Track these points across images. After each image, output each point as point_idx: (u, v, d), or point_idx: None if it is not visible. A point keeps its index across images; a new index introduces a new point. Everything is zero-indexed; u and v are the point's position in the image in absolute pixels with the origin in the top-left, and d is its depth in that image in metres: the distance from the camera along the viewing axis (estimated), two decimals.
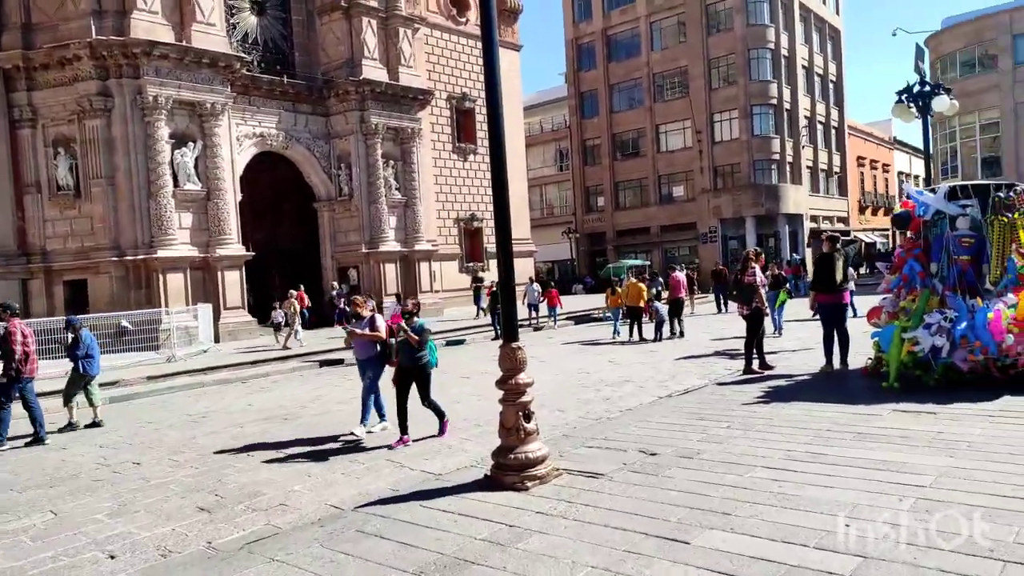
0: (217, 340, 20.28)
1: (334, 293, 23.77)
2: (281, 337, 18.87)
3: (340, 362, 15.97)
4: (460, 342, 19.74)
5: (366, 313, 8.42)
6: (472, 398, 10.38)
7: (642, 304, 16.93)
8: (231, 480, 6.69)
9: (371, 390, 8.31)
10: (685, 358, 13.20)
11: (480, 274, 29.09)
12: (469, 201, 32.34)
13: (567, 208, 52.25)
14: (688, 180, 45.13)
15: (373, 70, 25.70)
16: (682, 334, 16.63)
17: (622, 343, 16.72)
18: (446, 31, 31.39)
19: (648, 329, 17.30)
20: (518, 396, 5.64)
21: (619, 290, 18.33)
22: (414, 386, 7.88)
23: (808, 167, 46.55)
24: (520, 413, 5.56)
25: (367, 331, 8.26)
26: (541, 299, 22.38)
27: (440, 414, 7.97)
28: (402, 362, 7.76)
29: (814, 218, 46.57)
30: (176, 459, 7.67)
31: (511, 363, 5.61)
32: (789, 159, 43.91)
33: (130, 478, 7.00)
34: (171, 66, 20.13)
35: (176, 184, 20.54)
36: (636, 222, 47.04)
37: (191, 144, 20.93)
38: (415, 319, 7.90)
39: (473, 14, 32.34)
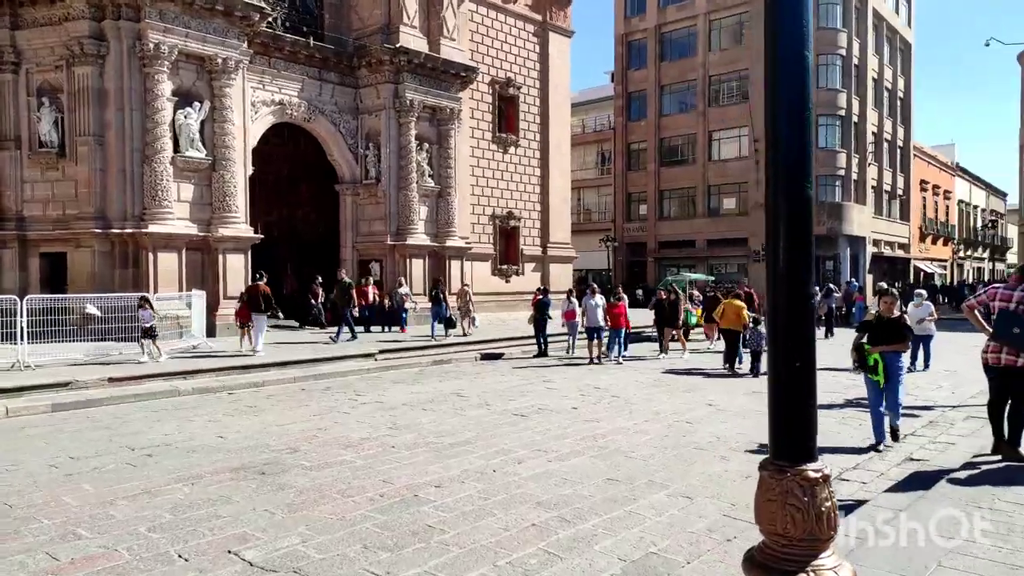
0: (212, 334, 17.21)
1: (402, 292, 20.53)
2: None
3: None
4: (498, 356, 16.51)
5: None
6: (536, 456, 7.10)
7: (741, 328, 13.62)
8: None
9: None
10: None
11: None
12: (507, 198, 29.16)
13: (606, 214, 48.95)
14: (742, 192, 41.66)
15: (412, 39, 22.62)
16: None
17: (716, 376, 13.42)
18: (493, 8, 28.28)
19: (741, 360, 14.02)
20: None
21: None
22: None
23: (872, 187, 42.91)
24: None
25: None
26: (605, 321, 15.47)
27: None
28: None
29: (876, 242, 42.92)
30: (58, 556, 4.48)
31: (794, 522, 2.21)
32: (854, 176, 40.33)
33: None
34: (178, 11, 17.13)
35: (176, 149, 17.54)
36: (680, 234, 43.63)
37: (197, 105, 17.93)
38: None
39: None
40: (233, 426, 8.60)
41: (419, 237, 22.87)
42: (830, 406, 9.61)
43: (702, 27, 43.02)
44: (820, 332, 23.04)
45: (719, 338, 16.90)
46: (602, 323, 15.39)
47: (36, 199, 17.51)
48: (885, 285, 9.56)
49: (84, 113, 16.92)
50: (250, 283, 15.64)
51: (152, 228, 16.84)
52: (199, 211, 18.13)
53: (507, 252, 28.95)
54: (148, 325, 13.27)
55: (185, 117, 17.71)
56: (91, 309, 13.64)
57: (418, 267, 22.87)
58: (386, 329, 20.11)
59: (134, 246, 17.01)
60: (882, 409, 7.38)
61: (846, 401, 10.21)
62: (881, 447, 7.29)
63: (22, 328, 11.82)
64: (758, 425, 8.59)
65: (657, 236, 44.70)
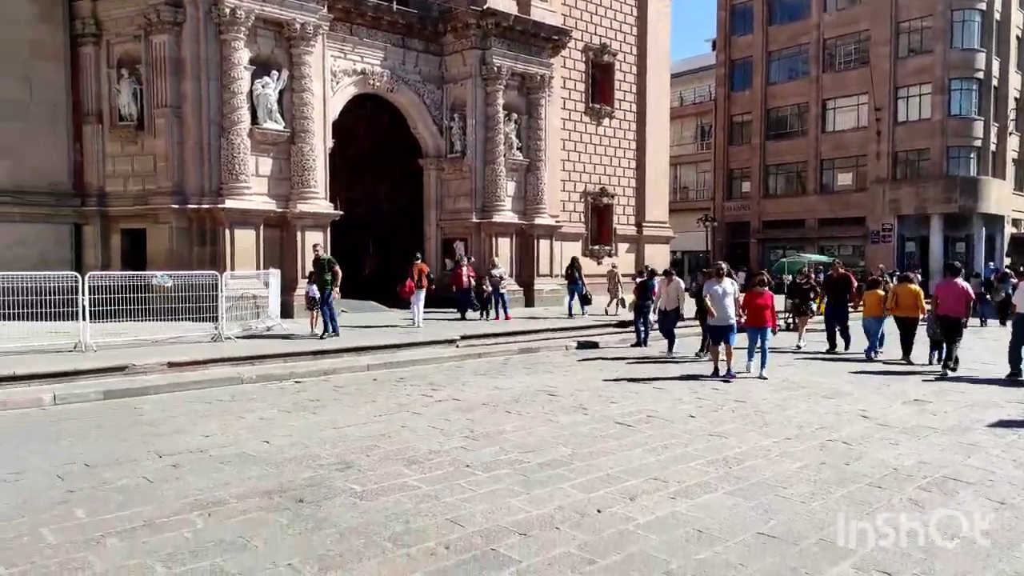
0: (288, 315, 16.38)
1: (497, 273, 18.49)
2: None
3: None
4: (594, 344, 14.83)
5: None
6: (652, 488, 5.37)
7: (921, 315, 11.55)
8: None
9: None
10: (998, 426, 7.67)
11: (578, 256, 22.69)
12: (600, 173, 27.28)
13: (705, 192, 45.98)
14: (859, 167, 37.92)
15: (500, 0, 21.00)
16: (954, 367, 10.94)
17: (871, 372, 11.33)
18: None
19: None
20: None
21: (879, 293, 12.83)
22: None
23: (1014, 159, 38.11)
24: None
25: None
26: (740, 316, 10.87)
27: None
28: None
29: (1016, 222, 38.18)
30: None
31: None
32: (993, 147, 35.82)
33: None
34: None
35: (254, 121, 16.71)
36: (788, 213, 40.27)
37: (275, 74, 17.00)
38: None
39: None
40: (284, 427, 7.34)
41: (506, 214, 21.36)
42: None
43: None
44: (996, 323, 19.92)
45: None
46: (733, 319, 10.62)
47: (117, 174, 17.10)
48: None
49: (161, 84, 16.28)
50: (416, 261, 16.51)
51: (229, 203, 16.07)
52: (277, 186, 17.29)
53: (599, 231, 27.15)
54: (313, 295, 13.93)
55: (263, 87, 16.84)
56: (160, 280, 12.86)
57: (504, 246, 21.38)
58: (484, 315, 18.08)
59: (211, 222, 16.31)
60: None
61: None
62: None
63: (84, 307, 11.10)
64: (942, 452, 6.55)
65: (761, 215, 41.50)
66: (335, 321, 13.77)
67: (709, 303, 10.74)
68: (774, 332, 11.07)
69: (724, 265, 11.36)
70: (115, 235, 17.22)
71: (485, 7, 20.38)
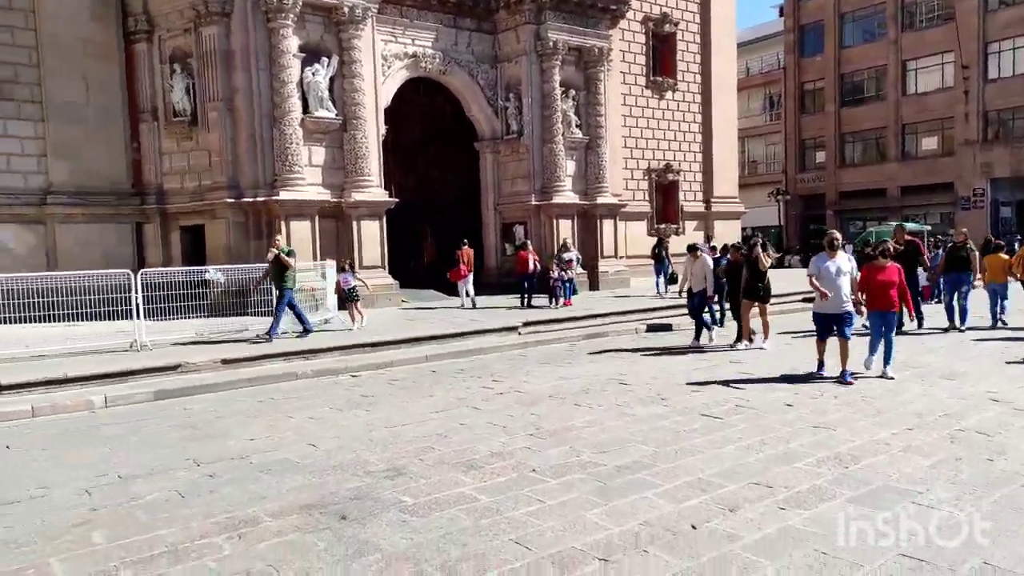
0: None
1: (568, 257, 17.67)
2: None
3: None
4: (666, 327, 13.85)
5: None
6: (755, 496, 4.48)
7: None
8: None
9: None
10: None
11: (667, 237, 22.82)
12: (664, 148, 26.02)
13: (775, 165, 43.76)
14: (944, 130, 35.26)
15: None
16: None
17: (983, 343, 10.18)
18: None
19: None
20: None
21: (1002, 257, 11.54)
22: None
23: None
24: None
25: None
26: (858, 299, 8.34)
27: None
28: None
29: None
30: None
31: None
32: None
33: None
34: None
35: (306, 110, 16.31)
36: (867, 182, 37.84)
37: (324, 60, 16.54)
38: None
39: None
40: (334, 427, 6.76)
41: (566, 195, 20.45)
42: None
43: None
44: None
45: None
46: (850, 305, 8.18)
47: (174, 171, 17.01)
48: None
49: (212, 77, 16.03)
50: (463, 247, 17.44)
51: (283, 195, 15.74)
52: (331, 176, 16.89)
53: (665, 209, 25.91)
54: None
55: (313, 75, 16.40)
56: (213, 275, 12.58)
57: (565, 228, 20.47)
58: (553, 301, 16.57)
59: (267, 215, 16.03)
60: None
61: None
62: None
63: (137, 305, 10.87)
64: None
65: (838, 186, 39.14)
66: (277, 324, 11.74)
67: (818, 283, 8.18)
68: (911, 318, 8.77)
69: (837, 235, 8.63)
70: (175, 232, 17.16)
71: None
